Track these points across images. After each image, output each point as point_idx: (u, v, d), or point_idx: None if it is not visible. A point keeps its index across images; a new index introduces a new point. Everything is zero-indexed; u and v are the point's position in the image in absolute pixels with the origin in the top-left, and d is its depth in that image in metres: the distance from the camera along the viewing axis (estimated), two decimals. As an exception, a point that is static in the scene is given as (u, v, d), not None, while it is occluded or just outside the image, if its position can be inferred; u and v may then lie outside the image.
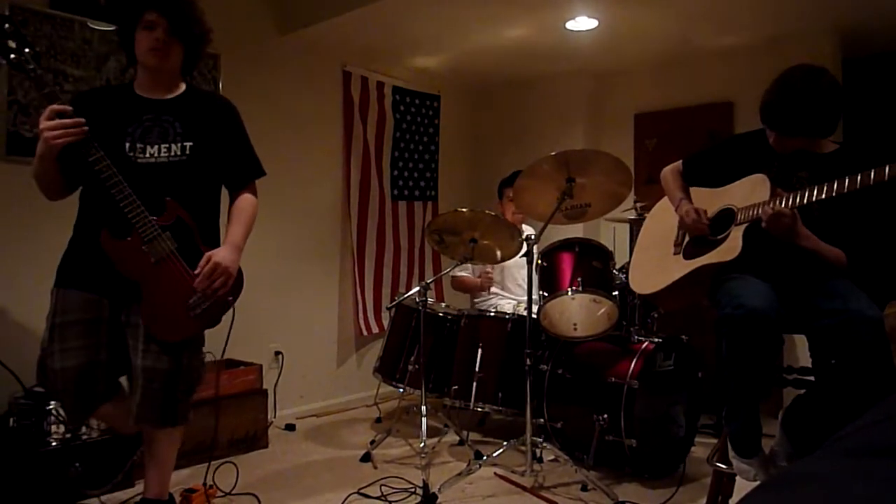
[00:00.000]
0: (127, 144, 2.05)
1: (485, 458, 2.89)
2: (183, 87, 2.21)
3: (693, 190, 2.39)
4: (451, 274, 3.95)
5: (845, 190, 1.85)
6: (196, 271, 2.06)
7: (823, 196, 1.90)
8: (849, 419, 0.50)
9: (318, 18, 3.80)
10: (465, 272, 3.89)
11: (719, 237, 2.18)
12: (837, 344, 1.90)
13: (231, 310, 2.23)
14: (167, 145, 2.08)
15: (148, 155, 2.06)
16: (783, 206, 1.97)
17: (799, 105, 2.00)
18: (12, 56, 1.92)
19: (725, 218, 2.20)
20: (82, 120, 1.93)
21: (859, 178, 1.81)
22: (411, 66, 4.76)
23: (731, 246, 2.10)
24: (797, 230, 1.99)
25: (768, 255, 2.09)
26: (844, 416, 1.87)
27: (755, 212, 2.05)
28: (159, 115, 2.10)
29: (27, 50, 1.94)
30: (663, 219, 2.47)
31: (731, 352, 1.98)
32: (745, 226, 2.09)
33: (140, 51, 2.07)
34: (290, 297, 4.13)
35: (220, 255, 2.11)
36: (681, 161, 2.47)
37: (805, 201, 1.95)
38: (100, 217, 2.04)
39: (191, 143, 2.11)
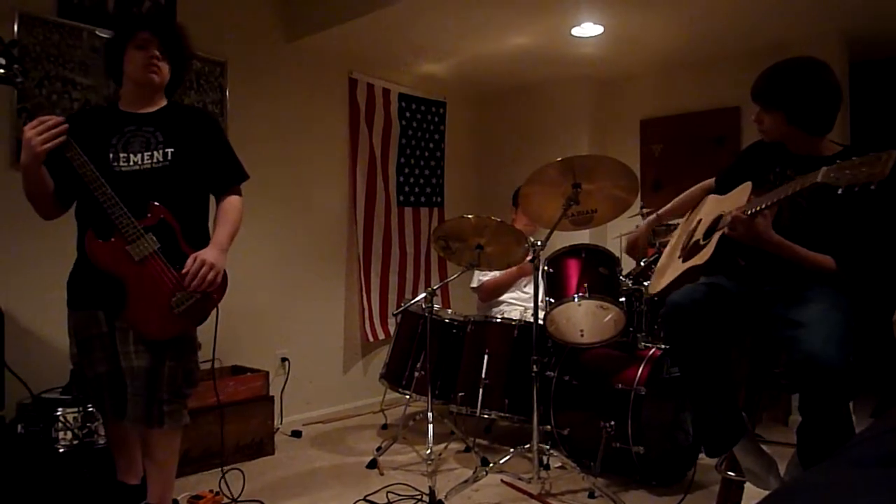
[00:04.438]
0: (110, 155, 2.14)
1: (491, 464, 2.88)
2: (164, 102, 2.30)
3: (710, 196, 2.43)
4: (472, 285, 3.90)
5: (790, 193, 1.83)
6: (184, 270, 2.12)
7: (771, 202, 1.90)
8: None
9: (324, 26, 3.82)
10: (485, 276, 3.83)
11: (704, 242, 2.21)
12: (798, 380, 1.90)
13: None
14: (149, 153, 2.17)
15: (132, 163, 2.15)
16: (744, 212, 1.97)
17: (786, 73, 2.04)
18: (1, 71, 2.05)
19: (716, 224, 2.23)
20: (62, 119, 2.02)
21: (798, 182, 1.81)
22: (417, 73, 4.77)
23: (705, 252, 2.14)
24: (762, 236, 1.97)
25: (743, 259, 2.12)
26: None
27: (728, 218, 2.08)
28: (141, 126, 2.20)
29: (16, 66, 2.08)
30: (683, 226, 2.54)
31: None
32: (721, 232, 2.11)
33: (133, 67, 2.18)
34: (297, 304, 4.14)
35: (206, 253, 2.17)
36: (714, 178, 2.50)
37: (759, 208, 1.93)
38: (87, 224, 2.13)
39: (172, 150, 2.18)
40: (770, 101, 2.10)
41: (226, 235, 2.26)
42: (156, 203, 2.13)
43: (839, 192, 1.70)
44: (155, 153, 2.17)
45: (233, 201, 2.35)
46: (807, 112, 2.04)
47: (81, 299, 2.21)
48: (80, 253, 2.22)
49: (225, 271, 2.23)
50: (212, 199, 2.39)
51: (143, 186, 2.13)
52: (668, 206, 2.58)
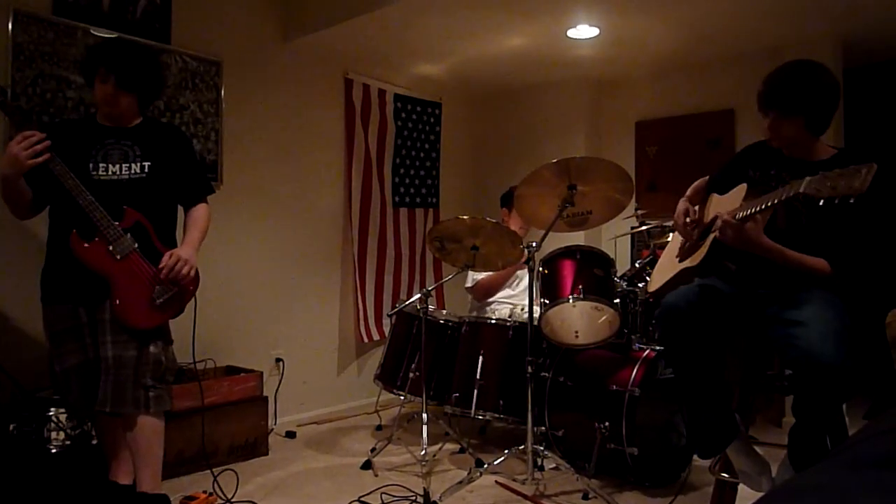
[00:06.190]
0: (91, 164, 2.33)
1: (486, 465, 2.88)
2: (140, 119, 2.49)
3: (712, 197, 2.43)
4: (467, 285, 3.89)
5: (778, 201, 1.83)
6: (160, 266, 2.31)
7: (759, 209, 1.89)
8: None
9: (320, 26, 3.82)
10: (480, 275, 3.82)
11: (700, 243, 2.21)
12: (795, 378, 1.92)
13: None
14: (128, 164, 2.38)
15: (110, 173, 2.35)
16: (734, 216, 1.98)
17: (802, 78, 2.03)
18: None
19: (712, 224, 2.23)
20: (44, 135, 2.19)
21: (783, 191, 1.81)
22: (413, 74, 4.77)
23: (699, 253, 2.16)
24: (752, 240, 1.97)
25: (734, 263, 2.13)
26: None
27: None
28: (119, 139, 2.40)
29: None
30: None
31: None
32: (713, 235, 2.12)
33: (96, 98, 2.41)
34: (292, 304, 4.13)
35: (180, 250, 2.38)
36: (708, 176, 2.49)
37: (748, 213, 1.94)
38: (67, 227, 2.28)
39: (149, 163, 2.40)
40: (790, 108, 2.04)
41: (197, 236, 2.49)
42: (130, 208, 2.32)
43: (821, 203, 1.69)
44: (133, 165, 2.38)
45: (202, 208, 2.56)
46: (822, 115, 2.05)
47: (56, 294, 2.35)
48: (52, 250, 2.38)
49: (196, 268, 2.43)
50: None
51: (120, 194, 2.32)
52: (689, 192, 2.50)
